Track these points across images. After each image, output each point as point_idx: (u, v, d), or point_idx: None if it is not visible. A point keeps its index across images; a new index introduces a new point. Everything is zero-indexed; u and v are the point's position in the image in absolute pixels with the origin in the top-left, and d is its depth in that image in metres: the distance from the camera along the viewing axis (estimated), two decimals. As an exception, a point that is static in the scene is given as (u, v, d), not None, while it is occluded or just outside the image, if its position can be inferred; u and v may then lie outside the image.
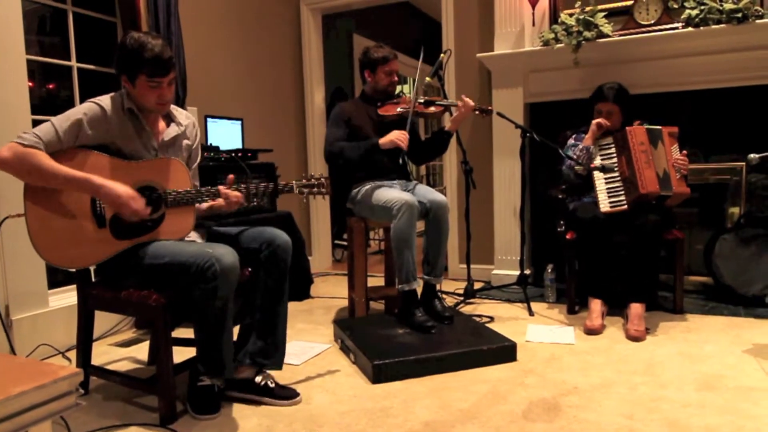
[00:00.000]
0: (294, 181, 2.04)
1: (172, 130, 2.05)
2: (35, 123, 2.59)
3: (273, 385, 2.02)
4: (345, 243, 4.52)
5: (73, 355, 2.37)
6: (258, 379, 2.01)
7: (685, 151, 2.85)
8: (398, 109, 2.83)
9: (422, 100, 2.85)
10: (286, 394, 2.01)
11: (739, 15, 3.00)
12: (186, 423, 1.88)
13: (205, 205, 2.01)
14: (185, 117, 2.14)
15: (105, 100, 1.91)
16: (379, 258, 4.91)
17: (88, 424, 1.88)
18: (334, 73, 5.13)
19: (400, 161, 2.66)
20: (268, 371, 2.06)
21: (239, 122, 3.61)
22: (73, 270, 1.98)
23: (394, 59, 2.91)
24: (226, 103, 3.73)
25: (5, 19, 2.46)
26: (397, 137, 2.65)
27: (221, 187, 1.95)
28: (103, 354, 2.59)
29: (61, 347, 2.62)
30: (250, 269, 2.06)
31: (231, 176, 1.99)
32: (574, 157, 2.92)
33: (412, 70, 6.63)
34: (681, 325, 2.77)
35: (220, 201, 1.95)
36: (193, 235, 2.09)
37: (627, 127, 2.82)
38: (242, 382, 2.01)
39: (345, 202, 3.00)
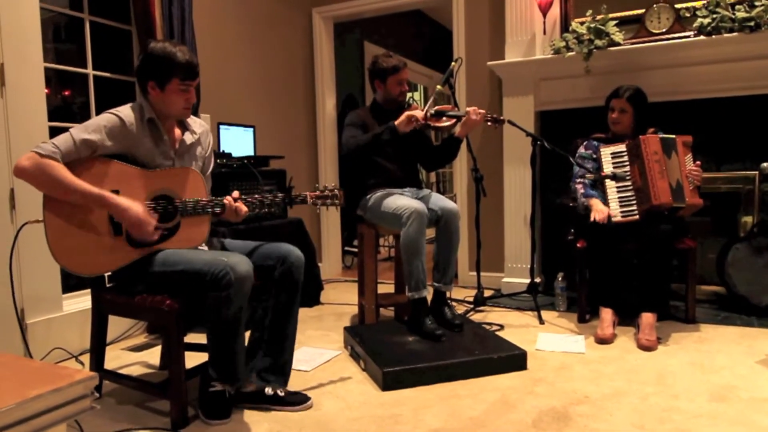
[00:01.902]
0: (308, 192, 2.05)
1: (188, 138, 2.08)
2: (52, 130, 2.63)
3: (283, 393, 2.03)
4: (355, 250, 4.53)
5: (86, 358, 2.40)
6: (267, 390, 2.02)
7: (698, 162, 2.83)
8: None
9: (433, 111, 2.86)
10: (296, 400, 2.03)
11: (752, 24, 3.00)
12: (197, 428, 1.89)
13: None
14: (199, 125, 2.17)
15: (124, 110, 1.93)
16: (389, 265, 4.92)
17: (101, 428, 1.90)
18: (345, 81, 5.17)
19: (416, 125, 2.64)
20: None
21: (251, 129, 3.64)
22: (89, 276, 2.01)
23: (404, 68, 2.92)
24: (238, 110, 3.77)
25: (24, 28, 2.51)
26: (412, 112, 2.64)
27: (227, 201, 1.96)
28: (115, 358, 2.61)
29: (74, 351, 2.65)
30: (260, 283, 2.07)
31: (236, 192, 2.00)
32: (580, 201, 2.94)
33: (423, 78, 6.67)
34: (693, 335, 2.75)
35: (227, 215, 1.97)
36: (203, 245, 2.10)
37: (641, 136, 2.81)
38: (251, 394, 2.02)
39: (355, 209, 3.01)
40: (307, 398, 2.04)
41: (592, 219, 2.75)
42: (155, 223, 1.87)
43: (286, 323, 2.06)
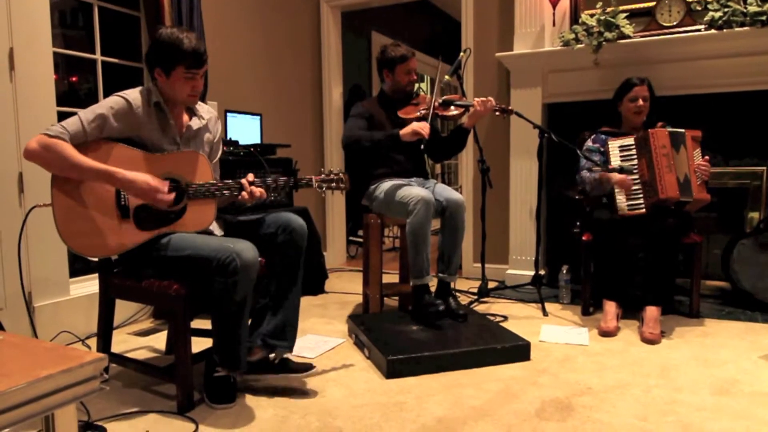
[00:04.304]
0: (313, 176, 2.06)
1: (195, 124, 2.09)
2: (60, 114, 2.64)
3: (287, 360, 2.06)
4: (359, 239, 4.54)
5: (92, 342, 2.42)
6: (272, 356, 2.04)
7: (707, 156, 2.82)
8: (418, 113, 2.83)
9: (441, 100, 2.85)
10: (301, 367, 2.06)
11: (764, 18, 2.97)
12: (202, 412, 1.91)
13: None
14: (207, 111, 2.17)
15: (132, 93, 1.94)
16: (393, 255, 4.93)
17: (108, 410, 1.92)
18: (352, 70, 5.15)
19: (422, 147, 2.62)
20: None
21: (258, 117, 3.64)
22: (96, 259, 2.02)
23: (412, 57, 2.91)
24: (245, 98, 3.77)
25: (33, 13, 2.52)
26: (419, 126, 2.61)
27: (244, 181, 1.98)
28: (121, 342, 2.64)
29: (81, 335, 2.67)
30: (264, 261, 2.08)
31: (251, 175, 2.02)
32: (587, 180, 2.91)
33: (430, 68, 6.64)
34: (697, 329, 2.75)
35: (243, 195, 1.98)
36: (213, 226, 2.12)
37: (649, 129, 2.80)
38: (258, 364, 2.04)
39: (360, 199, 3.01)
40: (311, 366, 2.07)
41: (614, 182, 2.77)
42: (167, 188, 1.88)
43: (290, 287, 2.08)
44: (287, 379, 2.05)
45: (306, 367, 2.06)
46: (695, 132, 2.84)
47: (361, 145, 2.75)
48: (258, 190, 1.99)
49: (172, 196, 1.90)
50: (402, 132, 2.65)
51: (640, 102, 2.91)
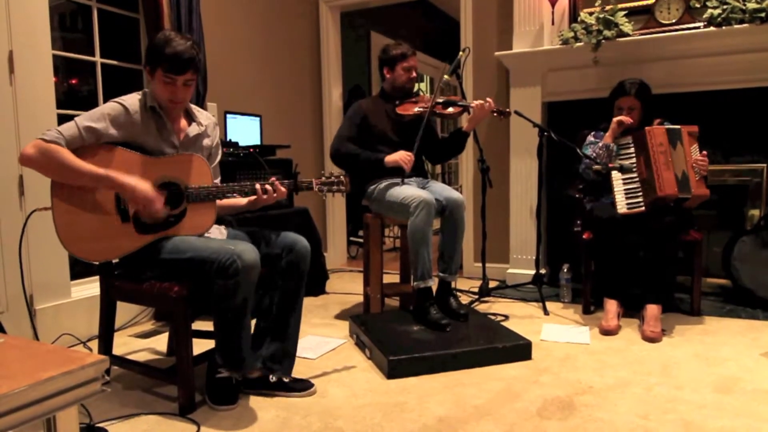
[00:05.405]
0: (313, 179, 2.06)
1: (193, 129, 2.09)
2: (60, 117, 2.64)
3: (287, 380, 2.05)
4: (360, 240, 4.54)
5: (94, 344, 2.42)
6: (272, 377, 2.04)
7: (705, 152, 2.82)
8: (416, 109, 2.84)
9: (440, 100, 2.86)
10: (300, 386, 2.05)
11: (763, 15, 2.97)
12: (204, 413, 1.91)
13: (244, 200, 2.07)
14: (206, 117, 2.18)
15: (129, 99, 1.95)
16: (394, 255, 4.93)
17: (109, 412, 1.92)
18: (351, 71, 5.15)
19: (415, 143, 2.69)
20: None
21: (258, 118, 3.64)
22: (97, 262, 2.03)
23: (412, 56, 2.92)
24: (245, 99, 3.77)
25: (32, 16, 2.52)
26: (402, 158, 2.70)
27: (258, 186, 1.99)
28: (122, 345, 2.64)
29: (82, 337, 2.68)
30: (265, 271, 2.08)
31: (273, 177, 2.03)
32: (593, 155, 2.90)
33: (429, 68, 6.64)
34: (698, 327, 2.75)
35: (261, 196, 1.99)
36: (214, 230, 2.12)
37: (646, 128, 2.79)
38: (256, 380, 2.04)
39: (361, 199, 3.02)
40: (310, 385, 2.06)
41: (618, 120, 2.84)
42: (163, 201, 1.89)
43: (290, 312, 2.08)
44: (285, 395, 2.04)
45: (305, 386, 2.05)
46: (692, 127, 2.84)
47: (346, 161, 2.83)
48: (281, 189, 2.00)
49: (165, 211, 1.91)
50: (387, 159, 2.74)
51: (624, 113, 2.90)
